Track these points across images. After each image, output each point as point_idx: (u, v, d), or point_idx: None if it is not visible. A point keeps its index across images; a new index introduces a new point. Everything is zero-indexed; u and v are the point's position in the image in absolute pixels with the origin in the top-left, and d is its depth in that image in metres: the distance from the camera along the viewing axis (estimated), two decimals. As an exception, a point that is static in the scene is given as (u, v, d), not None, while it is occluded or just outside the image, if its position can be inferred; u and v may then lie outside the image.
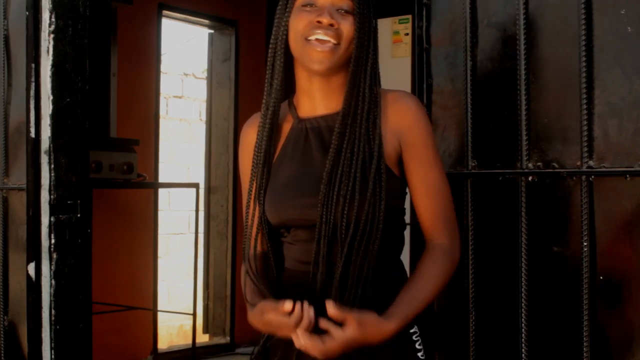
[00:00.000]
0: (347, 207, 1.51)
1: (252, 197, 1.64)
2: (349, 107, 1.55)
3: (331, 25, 1.53)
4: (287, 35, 1.58)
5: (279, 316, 1.45)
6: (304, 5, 1.56)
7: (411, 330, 1.56)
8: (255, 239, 1.64)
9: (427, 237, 1.60)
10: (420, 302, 1.52)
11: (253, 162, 1.63)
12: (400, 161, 1.58)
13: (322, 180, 1.53)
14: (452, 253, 1.58)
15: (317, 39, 1.53)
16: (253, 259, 1.63)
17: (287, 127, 1.64)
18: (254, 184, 1.63)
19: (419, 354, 1.55)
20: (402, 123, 1.57)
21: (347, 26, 1.54)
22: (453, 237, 1.59)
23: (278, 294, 1.57)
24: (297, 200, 1.56)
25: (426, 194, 1.58)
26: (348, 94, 1.56)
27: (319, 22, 1.53)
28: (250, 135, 1.69)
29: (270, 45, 1.61)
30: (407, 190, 1.61)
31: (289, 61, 1.61)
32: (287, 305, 1.44)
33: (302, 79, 1.61)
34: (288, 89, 1.63)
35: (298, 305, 1.44)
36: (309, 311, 1.44)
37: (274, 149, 1.63)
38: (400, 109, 1.57)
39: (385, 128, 1.57)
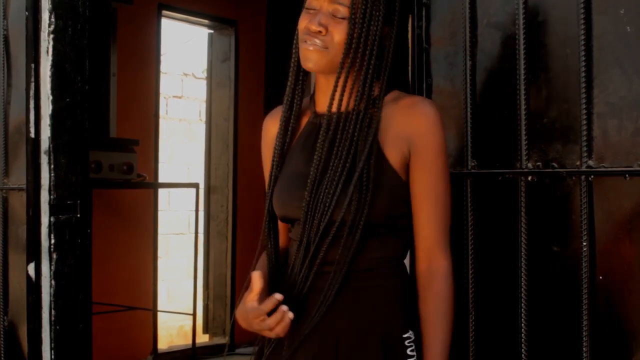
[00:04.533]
0: (328, 208, 1.52)
1: (266, 189, 1.66)
2: (338, 109, 1.57)
3: (319, 32, 1.55)
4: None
5: (257, 312, 1.48)
6: (308, 8, 1.60)
7: (404, 335, 1.54)
8: (271, 232, 1.65)
9: (424, 255, 1.57)
10: (447, 348, 1.54)
11: (272, 156, 1.66)
12: (407, 167, 1.57)
13: (309, 180, 1.54)
14: (452, 275, 1.57)
15: (307, 42, 1.57)
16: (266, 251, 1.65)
17: (305, 121, 1.67)
18: (269, 183, 1.65)
19: None
20: (415, 129, 1.55)
21: (338, 31, 1.56)
22: (450, 255, 1.58)
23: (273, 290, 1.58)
24: (297, 194, 1.57)
25: (431, 205, 1.56)
26: (333, 97, 1.58)
27: (308, 27, 1.57)
28: (270, 127, 1.72)
29: (293, 45, 1.65)
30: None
31: None
32: (268, 305, 1.47)
33: (318, 76, 1.64)
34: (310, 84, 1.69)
35: (280, 309, 1.46)
36: (287, 316, 1.47)
37: (291, 141, 1.65)
38: (414, 115, 1.56)
39: (394, 132, 1.56)
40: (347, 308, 1.54)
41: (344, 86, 1.58)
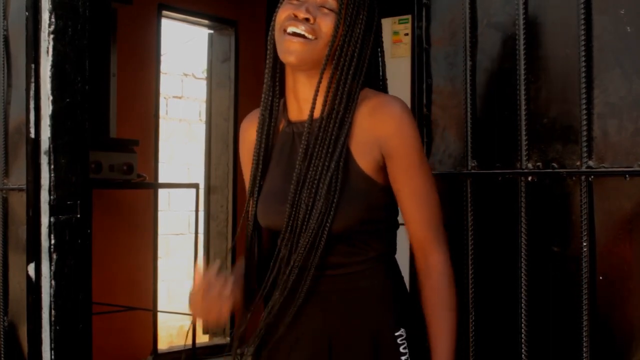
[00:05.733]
0: (307, 217, 1.51)
1: (247, 198, 1.65)
2: (321, 111, 1.53)
3: (307, 19, 1.50)
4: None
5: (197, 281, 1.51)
6: (291, 1, 1.55)
7: (396, 334, 1.54)
8: (252, 240, 1.66)
9: (419, 251, 1.57)
10: (453, 342, 1.54)
11: (252, 164, 1.64)
12: (384, 170, 1.54)
13: (289, 191, 1.53)
14: (449, 267, 1.57)
15: (291, 32, 1.51)
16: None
17: (280, 129, 1.64)
18: (251, 186, 1.64)
19: (403, 358, 1.53)
20: (382, 132, 1.51)
21: (326, 23, 1.51)
22: (446, 248, 1.57)
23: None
24: (277, 207, 1.56)
25: (414, 203, 1.55)
26: (324, 97, 1.53)
27: (295, 15, 1.51)
28: (248, 131, 1.69)
29: (268, 44, 1.61)
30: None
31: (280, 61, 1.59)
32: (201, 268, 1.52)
33: (288, 78, 1.58)
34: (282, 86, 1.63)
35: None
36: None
37: (270, 152, 1.63)
38: (380, 117, 1.52)
39: (363, 137, 1.53)
40: (338, 310, 1.55)
41: (328, 88, 1.53)
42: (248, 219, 1.66)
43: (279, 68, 1.60)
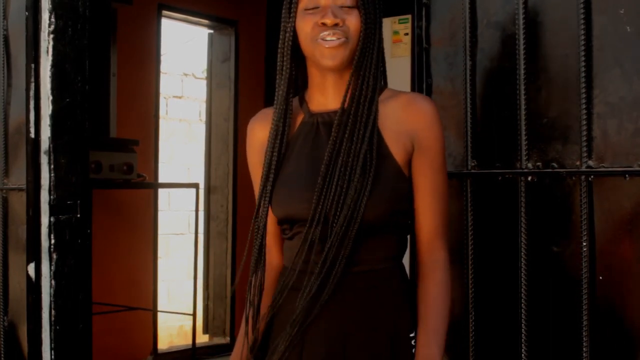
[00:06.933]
0: (341, 201, 1.51)
1: (258, 196, 1.64)
2: (352, 100, 1.57)
3: (336, 24, 1.55)
4: (293, 38, 1.60)
5: None
6: (307, 9, 1.58)
7: (411, 335, 1.56)
8: (261, 242, 1.63)
9: (426, 246, 1.60)
10: (445, 336, 1.55)
11: (264, 163, 1.63)
12: (409, 163, 1.58)
13: (320, 174, 1.54)
14: (449, 265, 1.60)
15: (327, 39, 1.55)
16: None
17: (297, 122, 1.66)
18: (265, 184, 1.62)
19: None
20: (418, 125, 1.58)
21: (353, 21, 1.56)
22: (448, 247, 1.61)
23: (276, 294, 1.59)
24: (303, 194, 1.56)
25: (432, 198, 1.59)
26: (353, 87, 1.57)
27: (323, 23, 1.55)
28: (258, 132, 1.70)
29: (279, 50, 1.63)
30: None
31: (298, 61, 1.64)
32: None
33: (315, 76, 1.63)
34: (297, 86, 1.67)
35: None
36: None
37: (286, 146, 1.64)
38: (417, 110, 1.58)
39: (397, 129, 1.58)
40: (355, 308, 1.55)
41: (357, 79, 1.57)
42: (258, 217, 1.63)
43: (294, 68, 1.64)
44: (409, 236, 1.66)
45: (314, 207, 1.53)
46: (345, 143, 1.54)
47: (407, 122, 1.58)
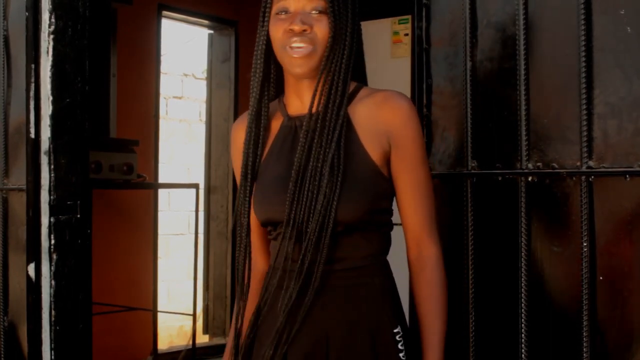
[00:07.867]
0: (312, 205, 1.52)
1: (238, 198, 1.65)
2: (319, 105, 1.57)
3: (304, 31, 1.55)
4: (267, 43, 1.61)
5: None
6: (278, 13, 1.59)
7: (394, 330, 1.56)
8: (246, 248, 1.64)
9: (414, 243, 1.60)
10: (444, 334, 1.57)
11: (241, 165, 1.65)
12: (388, 162, 1.58)
13: (291, 179, 1.55)
14: (442, 261, 1.60)
15: (293, 47, 1.56)
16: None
17: (276, 125, 1.67)
18: (244, 187, 1.64)
19: (401, 355, 1.55)
20: (393, 122, 1.57)
21: (321, 28, 1.56)
22: (439, 242, 1.61)
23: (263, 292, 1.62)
24: (280, 197, 1.57)
25: (415, 195, 1.59)
26: (321, 92, 1.57)
27: (291, 29, 1.56)
28: (240, 134, 1.71)
29: (254, 53, 1.64)
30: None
31: (275, 65, 1.64)
32: None
33: (290, 80, 1.63)
34: (278, 88, 1.67)
35: None
36: None
37: (263, 148, 1.65)
38: (391, 108, 1.57)
39: (373, 128, 1.58)
40: (336, 305, 1.55)
41: (324, 84, 1.58)
42: (238, 219, 1.64)
43: (273, 71, 1.65)
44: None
45: (287, 211, 1.54)
46: (314, 148, 1.55)
47: (382, 120, 1.58)
